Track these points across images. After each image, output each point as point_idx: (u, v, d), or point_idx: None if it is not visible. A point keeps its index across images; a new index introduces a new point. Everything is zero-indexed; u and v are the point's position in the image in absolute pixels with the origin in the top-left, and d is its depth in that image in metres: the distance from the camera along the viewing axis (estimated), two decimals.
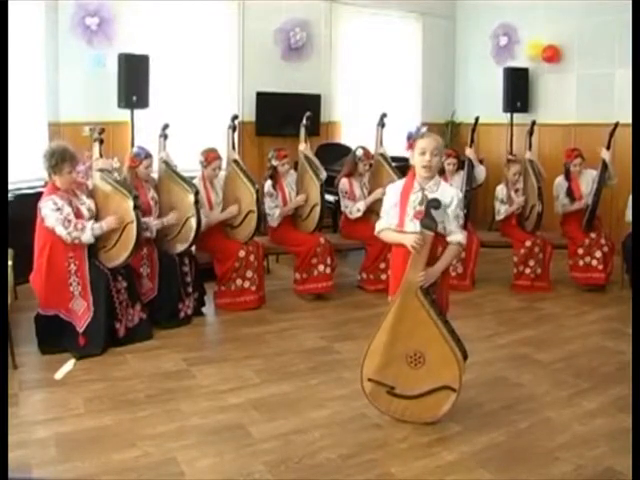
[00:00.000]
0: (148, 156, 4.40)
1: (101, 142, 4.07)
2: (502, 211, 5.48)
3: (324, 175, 5.22)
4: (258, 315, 4.66)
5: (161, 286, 4.32)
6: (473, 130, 5.75)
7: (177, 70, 6.59)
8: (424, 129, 3.06)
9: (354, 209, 5.27)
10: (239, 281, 4.71)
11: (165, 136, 4.67)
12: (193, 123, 6.64)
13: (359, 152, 5.32)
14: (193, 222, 4.37)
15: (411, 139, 3.03)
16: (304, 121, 5.25)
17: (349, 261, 6.21)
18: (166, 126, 4.70)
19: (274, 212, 5.05)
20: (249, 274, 4.71)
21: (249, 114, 7.04)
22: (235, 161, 4.88)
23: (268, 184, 5.06)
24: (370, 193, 5.31)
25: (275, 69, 7.15)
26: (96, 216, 3.96)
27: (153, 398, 3.28)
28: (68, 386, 3.39)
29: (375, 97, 7.69)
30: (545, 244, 5.35)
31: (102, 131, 4.09)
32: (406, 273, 2.90)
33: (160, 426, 2.99)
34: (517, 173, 5.45)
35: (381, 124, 5.37)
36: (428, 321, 2.91)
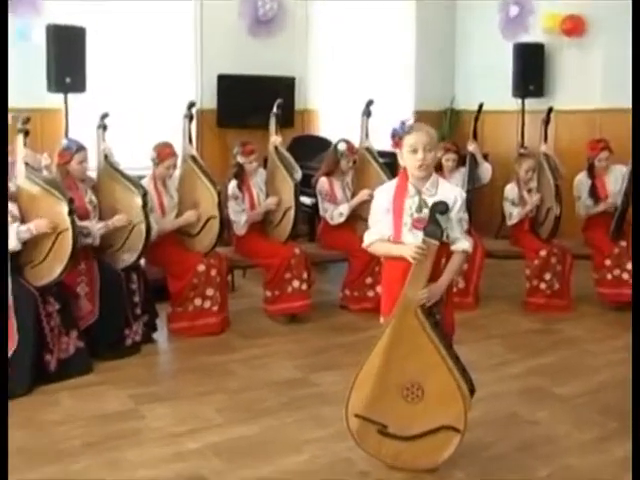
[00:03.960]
0: (80, 149, 4.36)
1: (26, 133, 4.03)
2: (515, 214, 5.49)
3: (299, 174, 5.23)
4: (221, 341, 4.65)
5: (103, 308, 4.28)
6: (476, 119, 5.79)
7: (121, 47, 6.55)
8: (410, 121, 3.05)
9: (336, 213, 5.28)
10: (198, 301, 4.69)
11: (104, 127, 4.64)
12: (141, 112, 6.61)
13: (341, 146, 5.33)
14: (142, 229, 4.35)
15: (396, 137, 3.02)
16: (275, 109, 5.27)
17: (329, 275, 6.21)
18: (105, 115, 4.67)
19: (240, 218, 5.04)
20: (210, 292, 4.70)
21: (209, 101, 7.03)
22: (192, 157, 4.88)
23: (232, 185, 5.05)
24: (354, 195, 5.33)
25: (240, 47, 7.15)
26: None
27: (92, 447, 3.24)
28: None
29: (360, 81, 7.72)
30: (564, 254, 5.39)
31: (27, 120, 4.04)
32: (404, 289, 2.90)
33: None
34: (530, 170, 5.48)
35: (367, 113, 5.38)
36: (429, 346, 2.91)
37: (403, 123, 3.03)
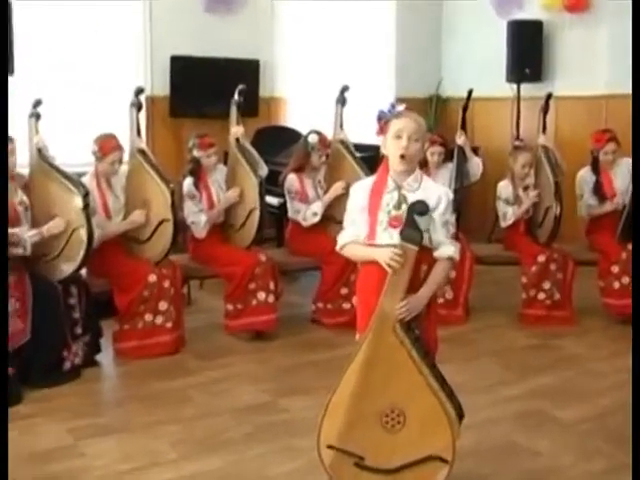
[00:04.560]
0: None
1: None
2: (509, 215, 5.53)
3: (264, 170, 5.26)
4: (176, 362, 4.63)
5: (37, 327, 4.23)
6: (465, 108, 5.79)
7: (55, 22, 6.51)
8: (401, 107, 3.07)
9: (309, 213, 5.30)
10: (149, 316, 4.67)
11: (37, 116, 4.60)
12: (80, 99, 6.58)
13: (312, 138, 5.35)
14: (82, 235, 4.31)
15: (383, 120, 3.04)
16: (236, 96, 5.27)
17: (300, 286, 6.23)
18: (38, 102, 4.64)
19: (199, 219, 5.04)
20: (163, 306, 4.68)
21: (160, 86, 7.01)
22: (141, 152, 4.86)
23: (188, 183, 5.05)
24: (327, 193, 5.35)
25: (196, 24, 7.14)
26: None
27: None
28: None
29: (334, 65, 7.76)
30: (565, 260, 5.42)
31: None
32: (380, 301, 2.89)
33: None
34: (526, 165, 5.52)
35: (341, 101, 5.39)
36: (410, 366, 2.90)
37: (393, 106, 3.05)
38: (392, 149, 2.97)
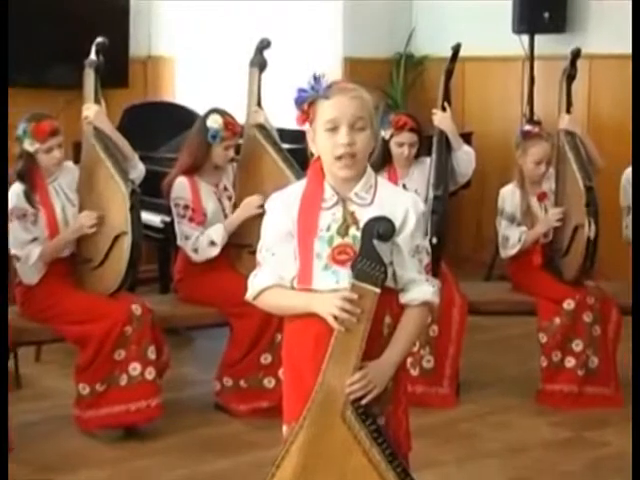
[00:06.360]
0: None
1: None
2: (514, 239, 5.57)
3: (139, 172, 5.28)
4: None
5: None
6: (449, 72, 5.83)
7: None
8: (326, 77, 3.03)
9: (203, 242, 5.31)
10: None
11: None
12: None
13: (213, 122, 5.37)
14: None
15: (304, 103, 3.01)
16: (93, 55, 5.26)
17: (197, 352, 6.31)
18: None
19: (30, 252, 5.00)
20: None
21: None
22: None
23: (16, 192, 5.03)
24: (236, 207, 5.38)
25: None
26: None
27: None
28: None
29: (247, 7, 7.81)
30: (606, 306, 5.48)
31: None
32: (323, 373, 2.89)
33: None
34: (543, 160, 5.59)
35: (259, 63, 5.46)
36: (369, 474, 2.90)
37: (317, 79, 3.00)
38: (326, 147, 2.94)
